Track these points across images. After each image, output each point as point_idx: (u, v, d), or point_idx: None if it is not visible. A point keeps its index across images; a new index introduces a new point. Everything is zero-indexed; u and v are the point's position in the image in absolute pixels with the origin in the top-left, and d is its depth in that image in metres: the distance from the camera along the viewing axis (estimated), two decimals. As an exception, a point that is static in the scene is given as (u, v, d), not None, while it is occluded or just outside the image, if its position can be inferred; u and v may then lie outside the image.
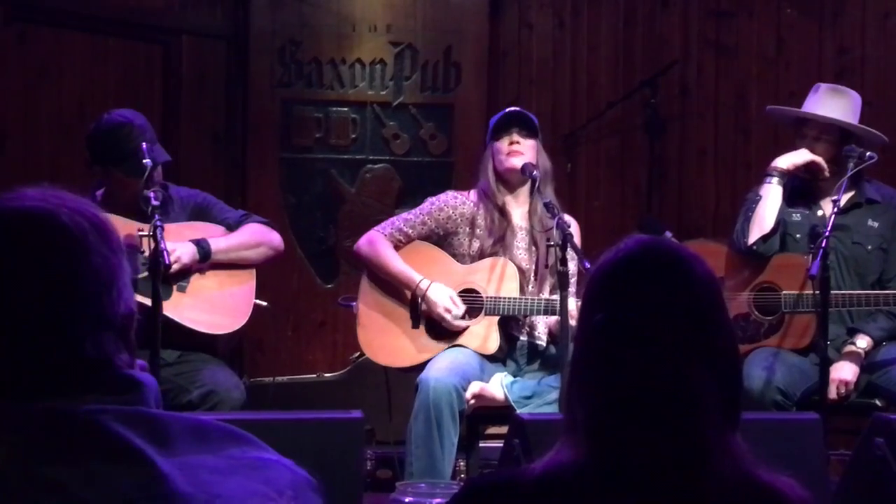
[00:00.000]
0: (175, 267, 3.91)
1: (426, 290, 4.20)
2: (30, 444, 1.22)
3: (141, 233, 3.73)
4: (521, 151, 4.25)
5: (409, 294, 4.26)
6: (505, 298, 4.20)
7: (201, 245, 4.05)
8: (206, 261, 4.06)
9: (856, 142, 4.31)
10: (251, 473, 1.27)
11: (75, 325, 1.27)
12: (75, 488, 1.19)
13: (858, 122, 4.41)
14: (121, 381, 1.29)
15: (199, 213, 4.21)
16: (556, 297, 4.08)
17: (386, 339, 4.29)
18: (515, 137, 4.26)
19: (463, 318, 4.22)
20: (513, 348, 4.31)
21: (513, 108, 4.41)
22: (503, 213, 4.30)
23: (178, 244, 3.97)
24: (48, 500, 1.19)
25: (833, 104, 4.37)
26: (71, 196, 1.34)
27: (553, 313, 4.15)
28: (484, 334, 4.23)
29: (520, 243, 4.31)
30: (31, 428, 1.22)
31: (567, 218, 4.12)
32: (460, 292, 4.25)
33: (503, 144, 4.28)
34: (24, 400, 1.24)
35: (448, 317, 4.19)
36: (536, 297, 4.23)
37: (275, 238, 4.25)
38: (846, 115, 4.36)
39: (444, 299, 4.19)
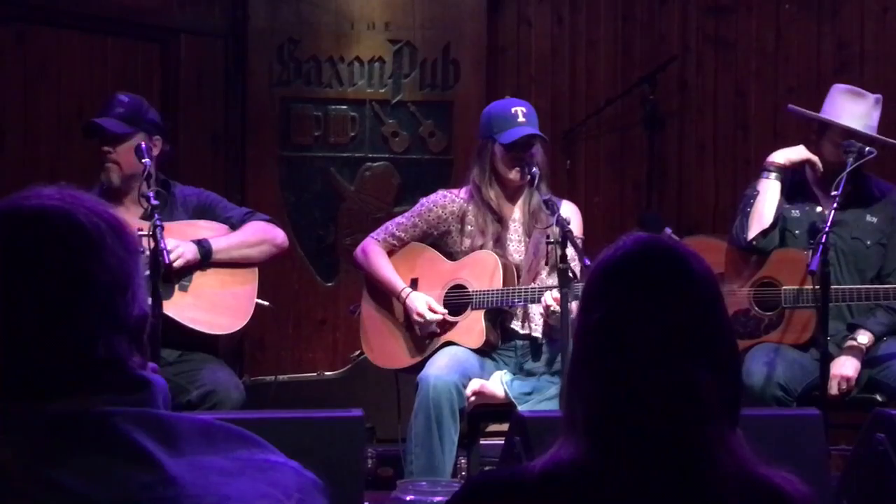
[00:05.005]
0: (178, 263, 3.91)
1: (405, 299, 4.26)
2: (36, 446, 1.21)
3: (141, 232, 3.73)
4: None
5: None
6: (490, 291, 4.20)
7: (202, 245, 4.04)
8: (207, 260, 4.06)
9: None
10: (259, 475, 1.28)
11: (88, 325, 1.27)
12: (82, 490, 1.20)
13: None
14: (130, 381, 1.28)
15: (203, 212, 4.21)
16: (540, 285, 4.10)
17: (383, 343, 4.38)
18: (530, 152, 4.21)
19: (443, 321, 4.23)
20: (512, 345, 4.31)
21: (527, 127, 4.19)
22: (496, 210, 4.28)
23: (180, 242, 3.97)
24: (53, 501, 1.19)
25: (859, 110, 4.25)
26: (88, 196, 1.33)
27: (538, 301, 4.12)
28: (471, 329, 4.24)
29: (512, 235, 4.30)
30: (38, 429, 1.22)
31: (568, 204, 4.13)
32: (449, 289, 4.27)
33: (516, 157, 4.19)
34: (33, 401, 1.24)
35: (420, 321, 4.22)
36: (522, 287, 4.21)
37: (278, 235, 4.25)
38: (872, 121, 4.29)
39: (419, 306, 4.22)
